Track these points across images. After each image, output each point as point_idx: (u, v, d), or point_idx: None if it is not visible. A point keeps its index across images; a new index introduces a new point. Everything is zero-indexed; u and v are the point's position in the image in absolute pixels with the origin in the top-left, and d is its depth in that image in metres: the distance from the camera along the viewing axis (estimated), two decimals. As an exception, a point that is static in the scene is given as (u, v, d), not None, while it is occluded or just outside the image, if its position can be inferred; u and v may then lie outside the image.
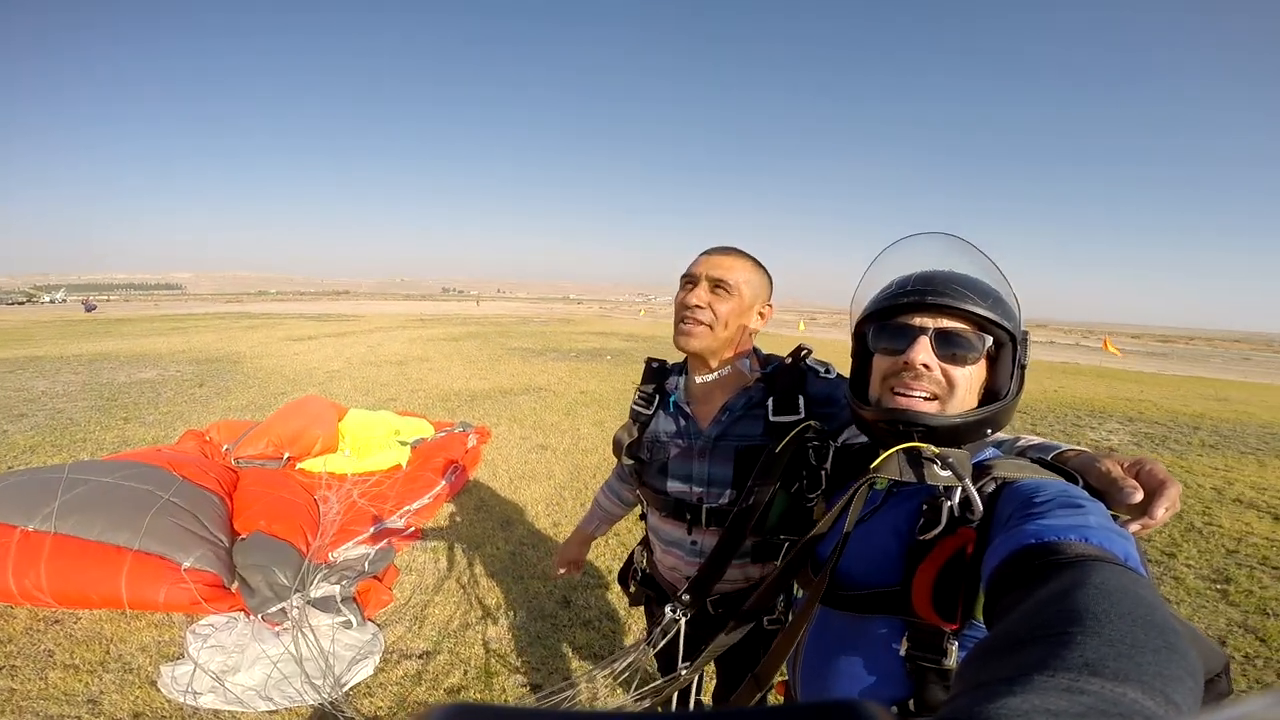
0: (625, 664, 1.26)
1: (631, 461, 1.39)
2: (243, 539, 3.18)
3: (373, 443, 5.12)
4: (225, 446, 4.71)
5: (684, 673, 1.14)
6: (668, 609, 1.23)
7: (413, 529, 3.86)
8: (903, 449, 0.80)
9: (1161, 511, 0.68)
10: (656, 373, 1.42)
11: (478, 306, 62.30)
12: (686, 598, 1.21)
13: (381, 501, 4.13)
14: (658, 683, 1.19)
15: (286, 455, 4.63)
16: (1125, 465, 0.73)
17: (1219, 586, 3.42)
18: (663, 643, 1.22)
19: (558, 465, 5.44)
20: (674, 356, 1.35)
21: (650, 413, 1.38)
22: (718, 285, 1.21)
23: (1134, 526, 0.69)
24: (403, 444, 5.19)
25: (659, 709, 1.24)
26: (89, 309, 37.26)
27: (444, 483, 4.56)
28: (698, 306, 1.21)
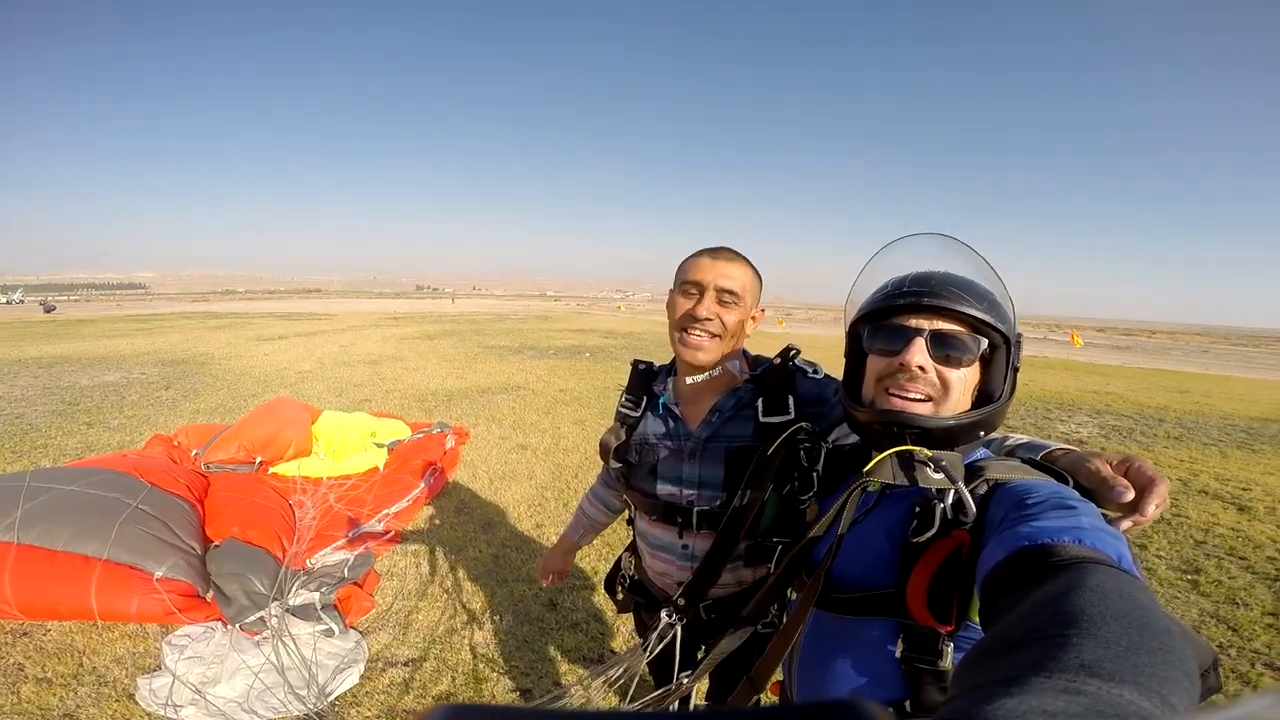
0: (620, 670, 1.25)
1: (619, 465, 1.37)
2: (216, 546, 3.10)
3: (348, 445, 5.02)
4: (194, 451, 4.59)
5: (685, 681, 1.13)
6: (663, 614, 1.21)
7: (392, 533, 3.80)
8: (895, 452, 0.80)
9: (1152, 508, 0.69)
10: (644, 375, 1.40)
11: (453, 304, 61.62)
12: (681, 602, 1.20)
13: (359, 505, 4.05)
14: (658, 692, 1.18)
15: (259, 459, 4.53)
16: (1114, 464, 0.74)
17: (1189, 577, 3.52)
18: (658, 648, 1.20)
19: (539, 465, 5.40)
20: (659, 356, 1.34)
21: (638, 415, 1.36)
22: (726, 296, 1.19)
23: (1125, 524, 0.69)
24: (379, 446, 5.10)
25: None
26: (48, 310, 35.92)
27: (423, 485, 4.50)
28: (708, 319, 1.18)
